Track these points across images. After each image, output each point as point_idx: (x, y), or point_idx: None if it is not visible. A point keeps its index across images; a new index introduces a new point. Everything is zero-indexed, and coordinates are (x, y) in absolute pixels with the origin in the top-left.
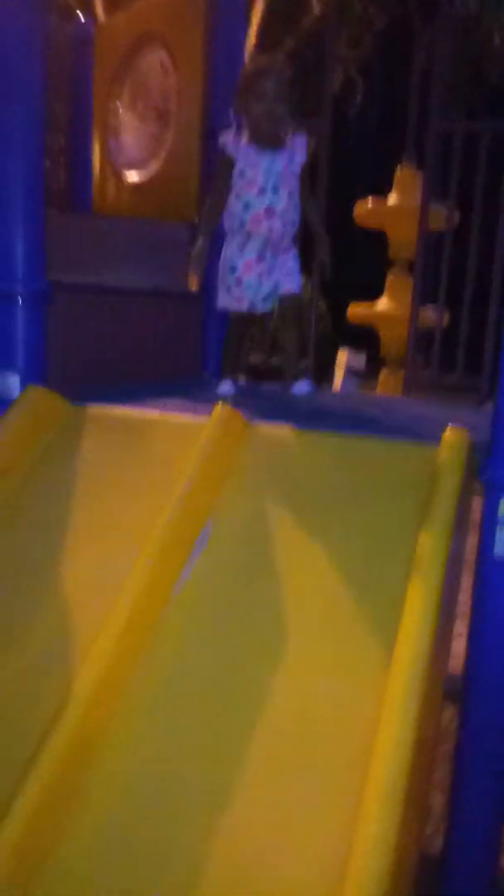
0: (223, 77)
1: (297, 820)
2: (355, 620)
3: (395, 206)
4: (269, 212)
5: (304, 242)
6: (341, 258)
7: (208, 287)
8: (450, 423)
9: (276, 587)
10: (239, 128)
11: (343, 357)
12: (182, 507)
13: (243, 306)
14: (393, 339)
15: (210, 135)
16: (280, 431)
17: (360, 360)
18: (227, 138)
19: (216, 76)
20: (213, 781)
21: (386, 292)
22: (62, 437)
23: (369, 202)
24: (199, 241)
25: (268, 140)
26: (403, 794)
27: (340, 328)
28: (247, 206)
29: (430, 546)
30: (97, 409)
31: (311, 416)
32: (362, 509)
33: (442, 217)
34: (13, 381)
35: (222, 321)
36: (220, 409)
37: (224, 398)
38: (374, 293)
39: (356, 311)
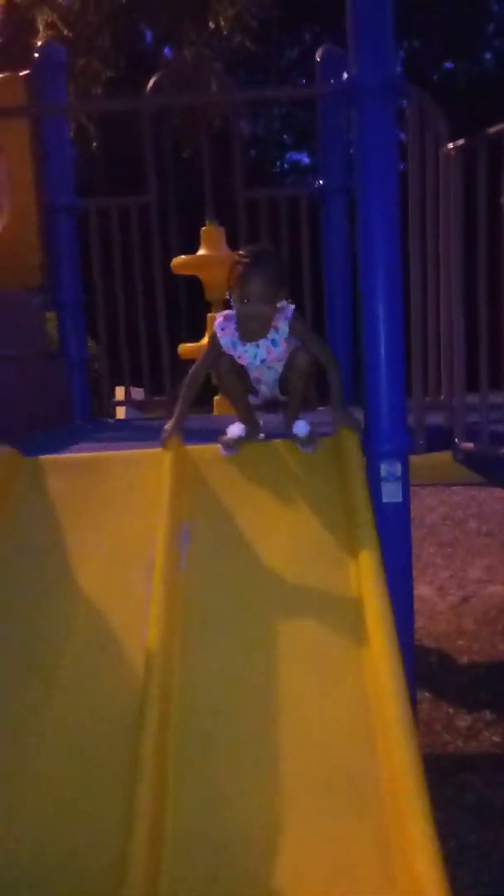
0: (53, 156)
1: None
2: (315, 565)
3: (206, 256)
4: (257, 379)
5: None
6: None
7: (67, 343)
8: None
9: (250, 556)
10: (230, 315)
11: (121, 392)
12: (169, 515)
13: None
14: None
15: (47, 209)
16: (210, 450)
17: (140, 393)
18: (218, 325)
19: (47, 156)
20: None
21: (209, 329)
22: (31, 483)
23: (182, 257)
24: (178, 411)
25: (251, 334)
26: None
27: (118, 367)
28: (255, 382)
29: (359, 501)
30: (49, 458)
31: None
32: (296, 489)
33: None
34: None
35: (85, 371)
36: (166, 438)
37: (230, 441)
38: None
39: (186, 348)
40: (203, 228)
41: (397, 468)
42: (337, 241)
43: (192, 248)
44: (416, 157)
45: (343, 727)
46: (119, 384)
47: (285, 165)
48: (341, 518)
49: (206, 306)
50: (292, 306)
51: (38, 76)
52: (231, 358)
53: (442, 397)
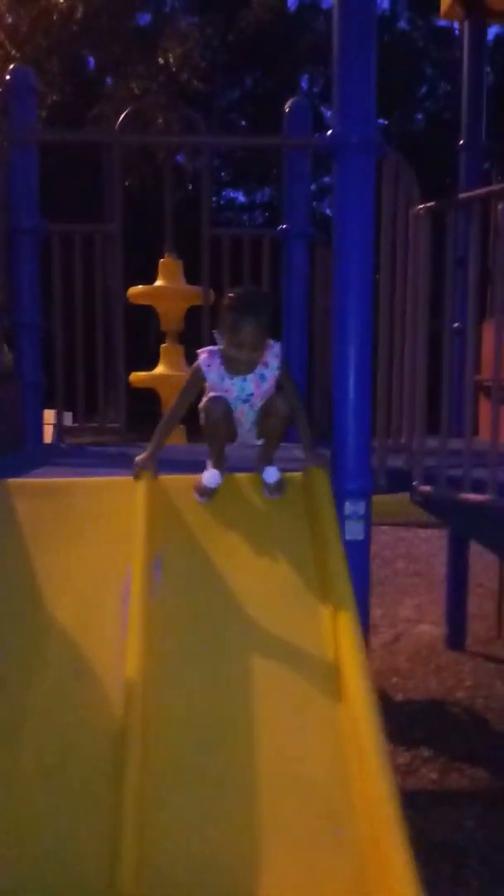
0: (19, 178)
1: None
2: (286, 598)
3: (161, 287)
4: (238, 421)
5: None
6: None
7: (23, 362)
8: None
9: (222, 588)
10: (214, 351)
11: (50, 415)
12: (142, 544)
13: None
14: (171, 398)
15: (10, 230)
16: (183, 479)
17: (68, 418)
18: (203, 355)
19: (12, 178)
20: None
21: (162, 359)
22: None
23: (139, 287)
24: (155, 443)
25: (238, 371)
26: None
27: (50, 390)
28: (238, 422)
29: (331, 536)
30: (15, 481)
31: (182, 466)
32: (266, 524)
33: (199, 296)
34: None
35: (39, 393)
36: (139, 469)
37: (208, 490)
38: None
39: (138, 377)
40: (161, 260)
41: (361, 507)
42: (297, 282)
43: (147, 279)
44: (388, 213)
45: (318, 758)
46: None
47: (221, 202)
48: (310, 552)
49: (159, 337)
50: (278, 343)
51: (8, 99)
52: (227, 403)
53: (402, 440)
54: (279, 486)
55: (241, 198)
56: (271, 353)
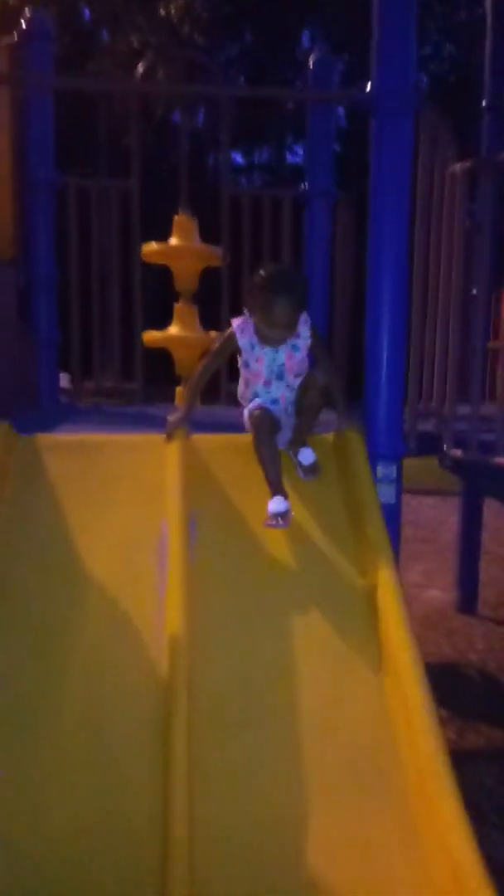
0: (35, 129)
1: None
2: (323, 554)
3: (178, 246)
4: (276, 401)
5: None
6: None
7: (38, 320)
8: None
9: (258, 545)
10: (248, 320)
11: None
12: (178, 502)
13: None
14: (184, 359)
15: (24, 182)
16: (216, 439)
17: (66, 379)
18: (237, 327)
19: (28, 128)
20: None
21: (175, 319)
22: (28, 462)
23: (153, 244)
24: (187, 403)
25: (272, 343)
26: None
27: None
28: (255, 395)
29: (368, 496)
30: (45, 437)
31: (213, 427)
32: (299, 485)
33: (218, 256)
34: None
35: (54, 350)
36: (172, 429)
37: (278, 516)
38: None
39: (152, 337)
40: (175, 218)
41: (393, 470)
42: (318, 245)
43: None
44: (426, 172)
45: (362, 711)
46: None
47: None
48: (343, 513)
49: (174, 296)
50: (305, 312)
51: (25, 46)
52: (270, 414)
53: (433, 404)
54: (314, 469)
55: (239, 159)
56: (303, 323)
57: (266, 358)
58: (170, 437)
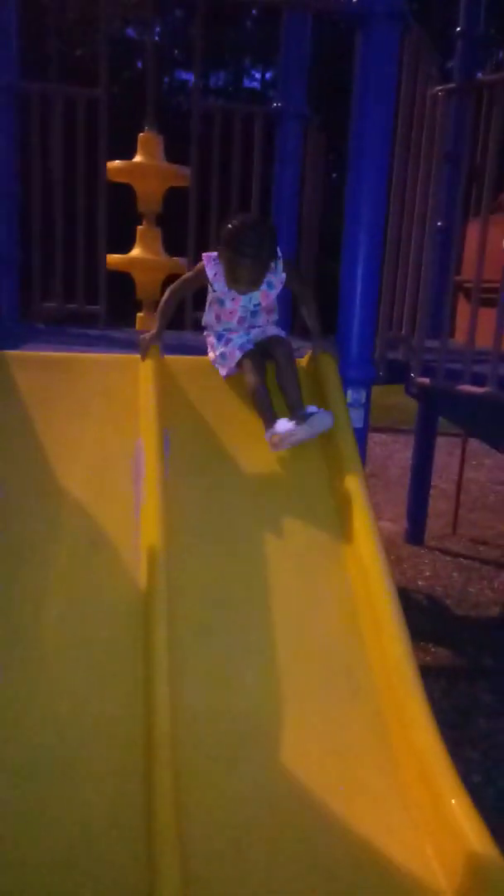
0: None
1: None
2: (296, 470)
3: (142, 164)
4: (249, 339)
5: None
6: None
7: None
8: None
9: (230, 462)
10: (220, 264)
11: None
12: (153, 419)
13: (236, 357)
14: (146, 283)
15: None
16: (188, 360)
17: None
18: (208, 265)
19: None
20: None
21: (138, 241)
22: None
23: (117, 162)
24: (159, 324)
25: (240, 293)
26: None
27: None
28: (228, 329)
29: (340, 415)
30: (16, 353)
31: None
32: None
33: (184, 176)
34: None
35: (14, 267)
36: (147, 347)
37: (287, 434)
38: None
39: (114, 259)
40: (141, 134)
41: (363, 395)
42: (289, 166)
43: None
44: (408, 91)
45: (334, 620)
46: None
47: (173, 85)
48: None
49: (136, 218)
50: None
51: None
52: (256, 355)
53: (402, 333)
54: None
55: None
56: (276, 270)
57: (242, 299)
58: (145, 354)
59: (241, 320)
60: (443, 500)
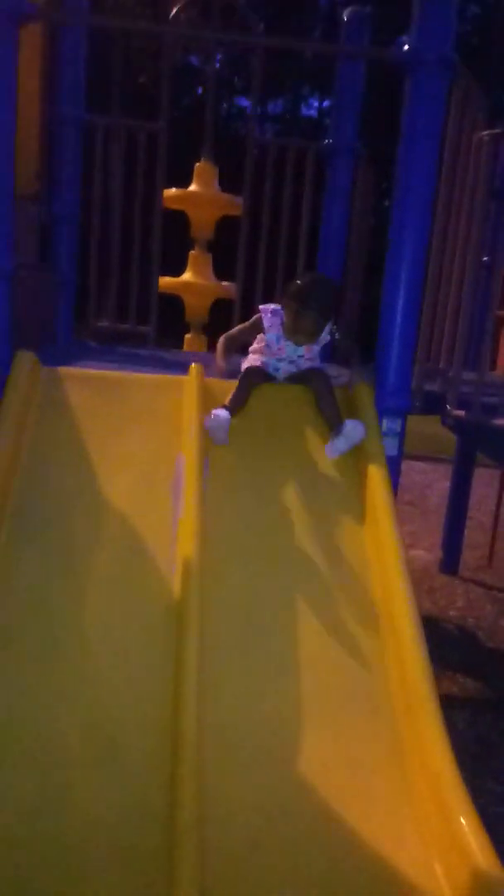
0: (67, 66)
1: None
2: (330, 498)
3: (196, 193)
4: (278, 370)
5: None
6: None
7: (56, 255)
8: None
9: (265, 483)
10: (277, 311)
11: None
12: (195, 437)
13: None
14: (195, 307)
15: (51, 122)
16: (230, 384)
17: None
18: (266, 314)
19: (60, 64)
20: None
21: (189, 266)
22: (52, 393)
23: (173, 190)
24: (225, 363)
25: (303, 342)
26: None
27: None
28: (275, 369)
29: (374, 446)
30: (68, 370)
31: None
32: (310, 433)
33: (237, 205)
34: None
35: (72, 289)
36: (194, 368)
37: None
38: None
39: (165, 282)
40: (197, 164)
41: (398, 424)
42: (339, 200)
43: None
44: (454, 135)
45: (358, 643)
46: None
47: (232, 111)
48: (351, 458)
49: (189, 243)
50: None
51: None
52: (265, 371)
53: (441, 365)
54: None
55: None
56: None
57: (287, 349)
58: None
59: (281, 360)
60: (480, 532)
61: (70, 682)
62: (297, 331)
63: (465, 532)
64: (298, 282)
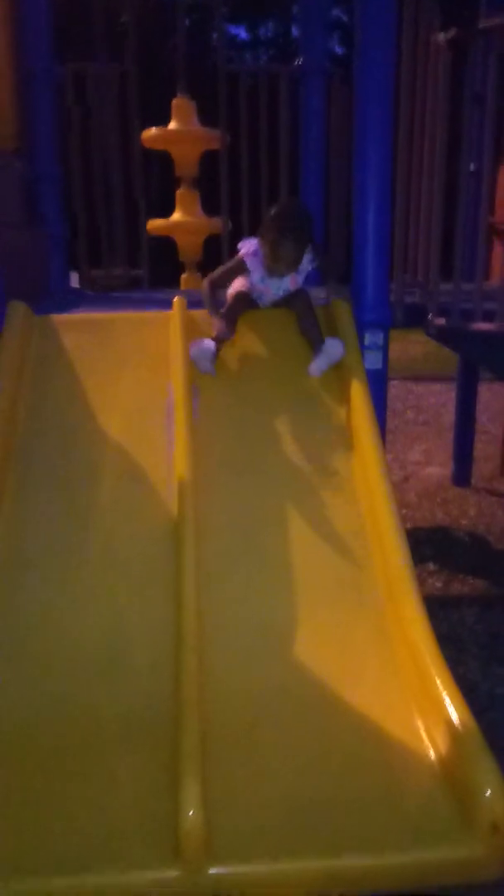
0: (31, 18)
1: None
2: (313, 414)
3: (177, 131)
4: (275, 302)
5: None
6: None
7: (44, 211)
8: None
9: (252, 409)
10: (258, 252)
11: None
12: (182, 369)
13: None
14: (188, 246)
15: (23, 72)
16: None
17: (75, 279)
18: (247, 252)
19: (24, 17)
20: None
21: (178, 205)
22: (46, 339)
23: (152, 130)
24: (220, 323)
25: (279, 275)
26: None
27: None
28: (259, 296)
29: (353, 360)
30: (60, 317)
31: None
32: (292, 353)
33: (217, 139)
34: None
35: (63, 244)
36: (177, 301)
37: (200, 351)
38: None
39: (155, 224)
40: (174, 101)
41: (380, 338)
42: (314, 123)
43: (160, 121)
44: (409, 42)
45: (343, 539)
46: None
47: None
48: (334, 378)
49: (175, 183)
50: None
51: None
52: (250, 296)
53: (418, 277)
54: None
55: (243, 34)
56: (306, 260)
57: (272, 287)
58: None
59: (272, 296)
60: (493, 446)
61: (83, 596)
62: (276, 260)
63: (480, 445)
64: (272, 212)
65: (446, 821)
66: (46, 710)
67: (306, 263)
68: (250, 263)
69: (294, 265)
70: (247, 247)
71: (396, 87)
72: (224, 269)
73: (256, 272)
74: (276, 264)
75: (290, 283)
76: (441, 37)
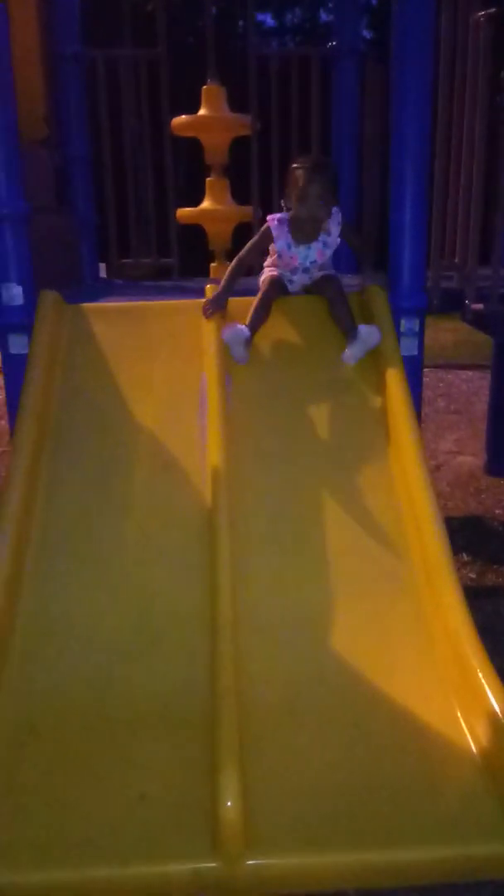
0: (60, 2)
1: None
2: (348, 399)
3: (206, 117)
4: (292, 282)
5: None
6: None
7: (74, 197)
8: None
9: (286, 398)
10: (283, 218)
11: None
12: (215, 358)
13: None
14: (218, 234)
15: (52, 57)
16: (247, 301)
17: (104, 269)
18: (273, 222)
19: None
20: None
21: (207, 193)
22: (78, 328)
23: (182, 117)
24: (223, 292)
25: (305, 237)
26: None
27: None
28: (289, 281)
29: (389, 346)
30: (91, 305)
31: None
32: (325, 340)
33: (247, 125)
34: (17, 291)
35: (93, 231)
36: (209, 289)
37: (233, 334)
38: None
39: (185, 213)
40: (204, 87)
41: (416, 324)
42: (347, 104)
43: (190, 108)
44: (449, 20)
45: (381, 528)
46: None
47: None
48: (368, 362)
49: (205, 170)
50: (338, 211)
51: None
52: (282, 281)
53: (456, 261)
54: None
55: (270, 20)
56: (334, 220)
57: (299, 256)
58: (209, 316)
59: (294, 271)
60: None
61: (118, 581)
62: (304, 197)
63: None
64: (298, 159)
65: (488, 815)
66: (82, 695)
67: (334, 232)
68: (276, 230)
69: (323, 207)
70: (273, 217)
71: (435, 66)
72: (251, 244)
73: (282, 238)
74: (305, 206)
75: (317, 254)
76: (481, 15)
